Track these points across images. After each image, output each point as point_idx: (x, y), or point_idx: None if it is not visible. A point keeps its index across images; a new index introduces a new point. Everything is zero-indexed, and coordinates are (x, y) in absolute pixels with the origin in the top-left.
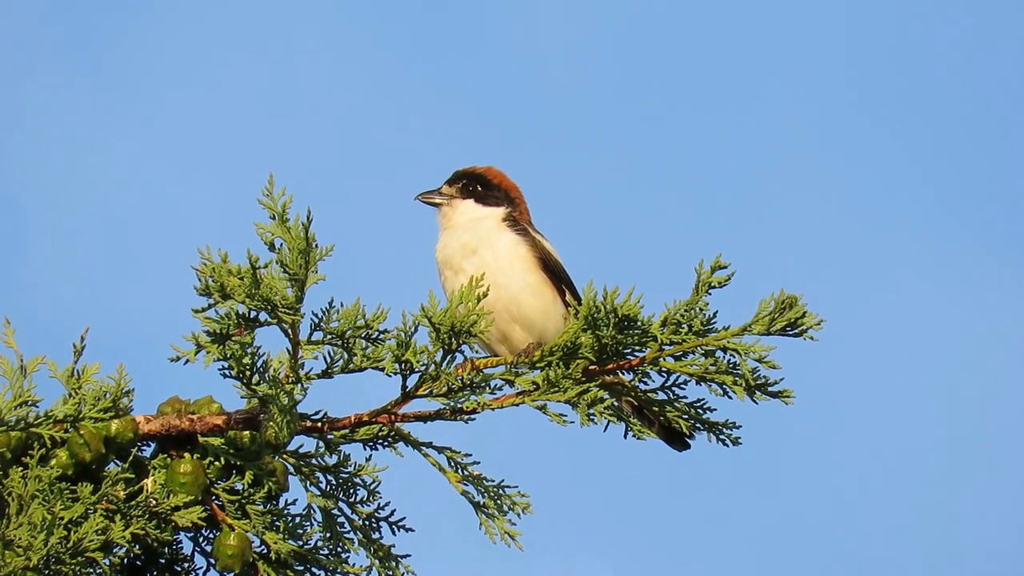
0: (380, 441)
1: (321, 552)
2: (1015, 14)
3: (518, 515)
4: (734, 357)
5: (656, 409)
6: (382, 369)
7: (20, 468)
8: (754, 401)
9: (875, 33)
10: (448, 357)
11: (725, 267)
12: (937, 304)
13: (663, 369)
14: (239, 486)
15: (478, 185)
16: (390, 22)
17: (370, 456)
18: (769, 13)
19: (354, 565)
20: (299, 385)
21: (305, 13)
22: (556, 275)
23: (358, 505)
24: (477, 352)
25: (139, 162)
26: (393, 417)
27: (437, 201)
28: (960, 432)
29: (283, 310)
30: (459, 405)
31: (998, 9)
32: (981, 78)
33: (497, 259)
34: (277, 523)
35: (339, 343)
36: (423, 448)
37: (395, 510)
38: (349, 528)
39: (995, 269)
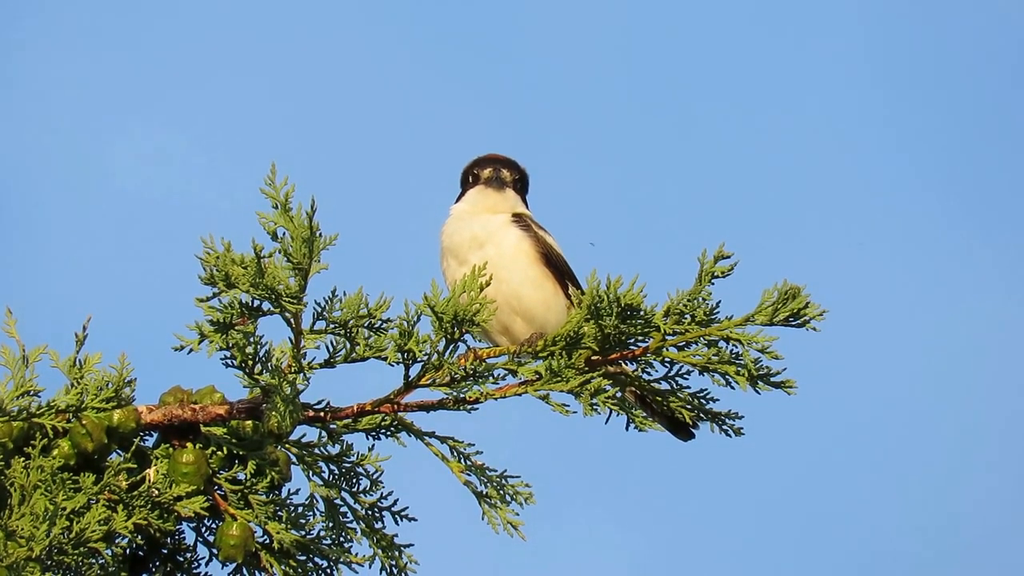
0: (383, 431)
1: (324, 542)
2: (1013, 15)
3: (521, 505)
4: (737, 347)
5: (659, 399)
6: (385, 358)
7: (22, 458)
8: (756, 391)
9: (876, 32)
10: (451, 346)
11: (728, 257)
12: (939, 295)
13: (666, 359)
14: (241, 476)
15: (521, 183)
16: (395, 13)
17: (372, 446)
18: (773, 15)
19: (357, 555)
20: (301, 374)
21: (310, 2)
22: (558, 269)
23: (361, 495)
24: (480, 342)
25: (141, 152)
26: (396, 407)
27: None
28: (962, 422)
29: (286, 299)
30: (462, 395)
31: (996, 12)
32: (979, 73)
33: (501, 255)
34: (280, 513)
35: (342, 332)
36: (426, 438)
37: (398, 500)
38: (352, 518)
39: (996, 259)
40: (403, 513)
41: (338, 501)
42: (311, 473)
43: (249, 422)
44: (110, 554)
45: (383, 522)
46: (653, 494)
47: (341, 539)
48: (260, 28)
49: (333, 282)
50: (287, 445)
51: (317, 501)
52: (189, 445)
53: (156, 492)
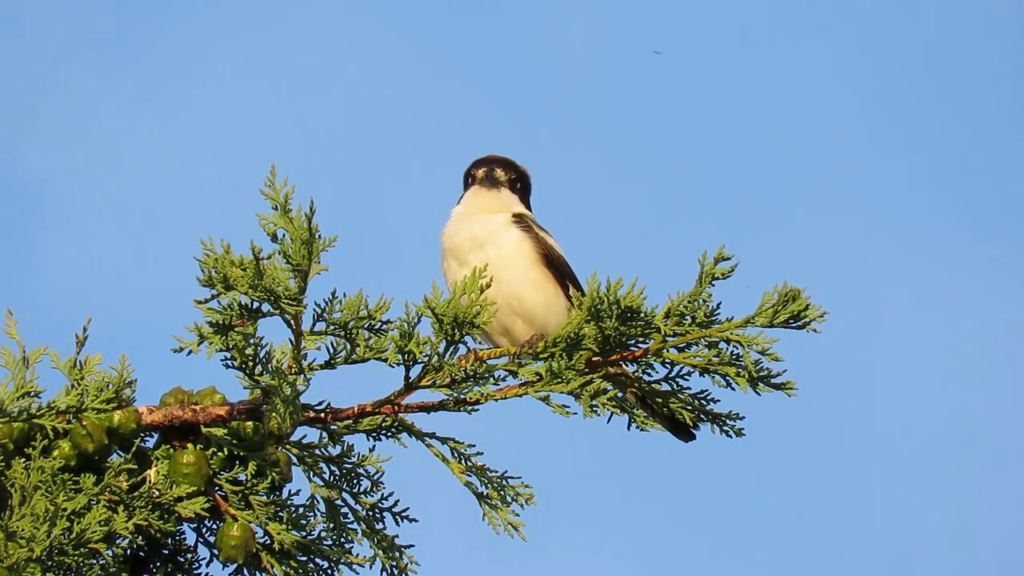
0: (383, 431)
1: (324, 543)
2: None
3: (521, 506)
4: (737, 349)
5: (660, 400)
6: (385, 360)
7: (23, 459)
8: (757, 393)
9: (878, 34)
10: (451, 348)
11: (728, 259)
12: (939, 295)
13: (666, 360)
14: (242, 477)
15: (520, 183)
16: (396, 11)
17: (373, 447)
18: (772, 14)
19: (357, 555)
20: (302, 376)
21: (312, 4)
22: (559, 270)
23: (361, 495)
24: (480, 344)
25: (142, 154)
26: (396, 408)
27: (500, 182)
28: (963, 421)
29: (286, 301)
30: (462, 396)
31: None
32: (978, 74)
33: (502, 256)
34: (280, 514)
35: (342, 334)
36: (426, 439)
37: (398, 501)
38: (352, 519)
39: (995, 259)
40: (404, 514)
41: (339, 502)
42: (312, 474)
43: (250, 423)
44: (111, 555)
45: (384, 523)
46: (654, 494)
47: (342, 540)
48: (261, 29)
49: (333, 283)
50: (288, 446)
51: (318, 502)
52: (190, 446)
53: (157, 493)
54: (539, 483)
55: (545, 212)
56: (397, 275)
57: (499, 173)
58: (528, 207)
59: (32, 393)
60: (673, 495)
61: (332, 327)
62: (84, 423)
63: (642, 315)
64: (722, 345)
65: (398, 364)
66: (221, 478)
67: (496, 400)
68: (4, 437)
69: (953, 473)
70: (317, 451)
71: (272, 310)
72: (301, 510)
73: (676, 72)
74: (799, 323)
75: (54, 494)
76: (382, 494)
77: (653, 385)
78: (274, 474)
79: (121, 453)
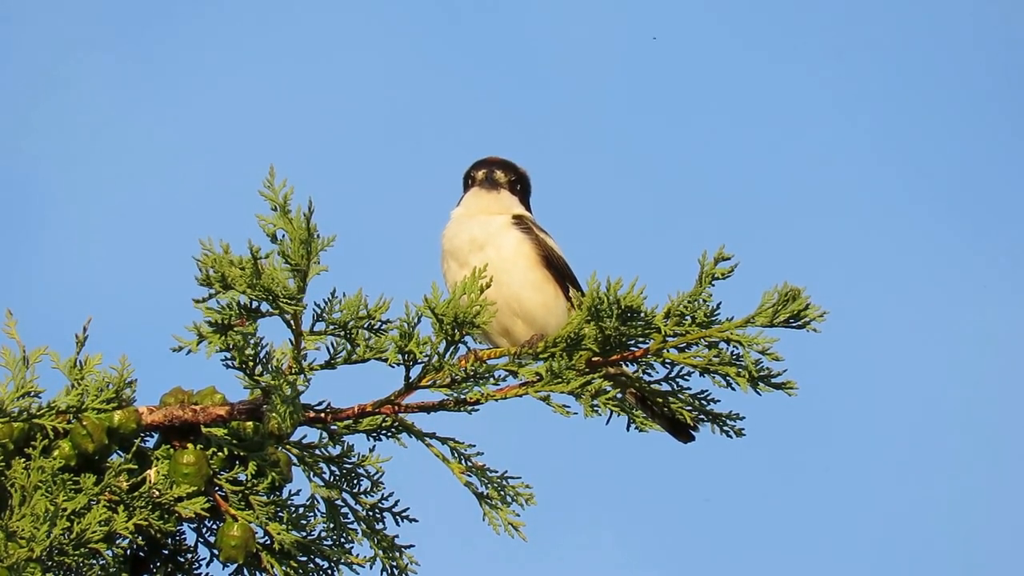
0: (383, 432)
1: (324, 543)
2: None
3: (521, 506)
4: (737, 349)
5: (660, 400)
6: (385, 360)
7: (23, 459)
8: (757, 392)
9: (878, 37)
10: (451, 348)
11: (728, 259)
12: (938, 295)
13: (667, 360)
14: (242, 477)
15: (520, 185)
16: (396, 11)
17: (373, 447)
18: (772, 16)
19: (358, 556)
20: (302, 376)
21: (313, 5)
22: (559, 271)
23: (361, 496)
24: (480, 344)
25: (142, 154)
26: (396, 408)
27: (500, 183)
28: (963, 421)
29: (285, 301)
30: (462, 396)
31: (998, 12)
32: (977, 74)
33: (502, 258)
34: (280, 514)
35: (342, 334)
36: (426, 439)
37: (398, 501)
38: (352, 519)
39: (995, 259)
40: (404, 514)
41: (339, 502)
42: (312, 474)
43: (250, 423)
44: (111, 555)
45: (384, 523)
46: (654, 494)
47: (342, 540)
48: (262, 29)
49: (333, 283)
50: (288, 446)
51: (318, 502)
52: (190, 446)
53: (157, 493)
54: (539, 483)
55: (545, 213)
56: (397, 275)
57: (499, 175)
58: (528, 208)
59: (32, 393)
60: (673, 495)
61: (332, 327)
62: (84, 423)
63: (642, 315)
64: (722, 345)
65: (398, 364)
66: (221, 478)
67: (496, 400)
68: (4, 437)
69: (953, 473)
70: (317, 451)
71: (271, 310)
72: (301, 510)
73: (676, 73)
74: (799, 323)
75: (54, 494)
76: (382, 494)
77: (653, 385)
78: (274, 474)
79: (121, 453)
